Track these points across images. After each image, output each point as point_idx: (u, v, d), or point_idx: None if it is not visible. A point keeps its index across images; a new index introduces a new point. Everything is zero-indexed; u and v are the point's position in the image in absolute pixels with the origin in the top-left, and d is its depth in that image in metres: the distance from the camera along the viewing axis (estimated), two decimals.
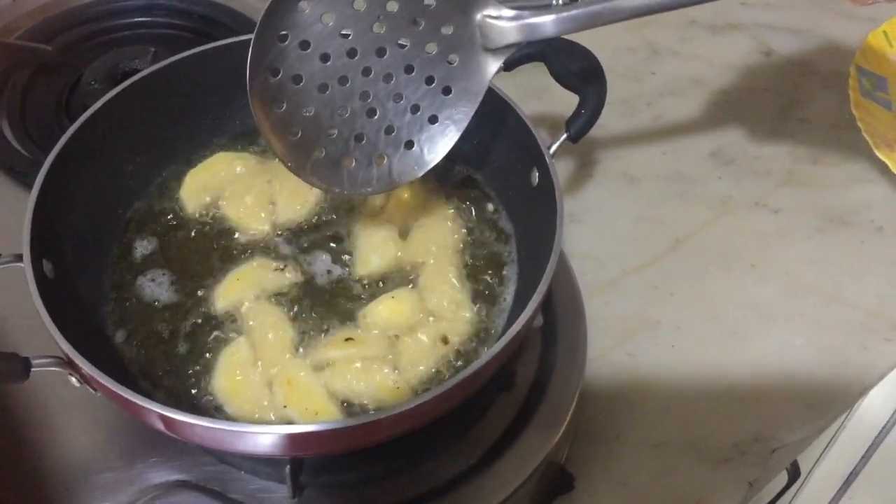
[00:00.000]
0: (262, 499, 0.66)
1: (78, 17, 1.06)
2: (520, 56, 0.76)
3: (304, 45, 0.61)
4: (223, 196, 0.77)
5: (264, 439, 0.57)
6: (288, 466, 0.64)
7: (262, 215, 0.76)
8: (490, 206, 0.78)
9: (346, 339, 0.68)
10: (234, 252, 0.74)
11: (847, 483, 1.18)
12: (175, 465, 0.68)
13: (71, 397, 0.71)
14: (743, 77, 1.10)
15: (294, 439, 0.57)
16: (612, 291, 0.87)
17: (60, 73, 0.99)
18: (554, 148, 0.71)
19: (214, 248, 0.75)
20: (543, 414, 0.71)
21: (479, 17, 0.63)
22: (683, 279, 0.88)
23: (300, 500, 0.65)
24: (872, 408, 1.04)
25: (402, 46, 0.63)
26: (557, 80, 0.74)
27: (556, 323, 0.76)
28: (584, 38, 0.76)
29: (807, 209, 0.95)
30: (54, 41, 1.02)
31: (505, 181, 0.78)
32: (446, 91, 0.65)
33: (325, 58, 0.62)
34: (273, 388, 0.66)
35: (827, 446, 1.11)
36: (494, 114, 0.75)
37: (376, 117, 0.65)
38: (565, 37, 0.75)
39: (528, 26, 0.62)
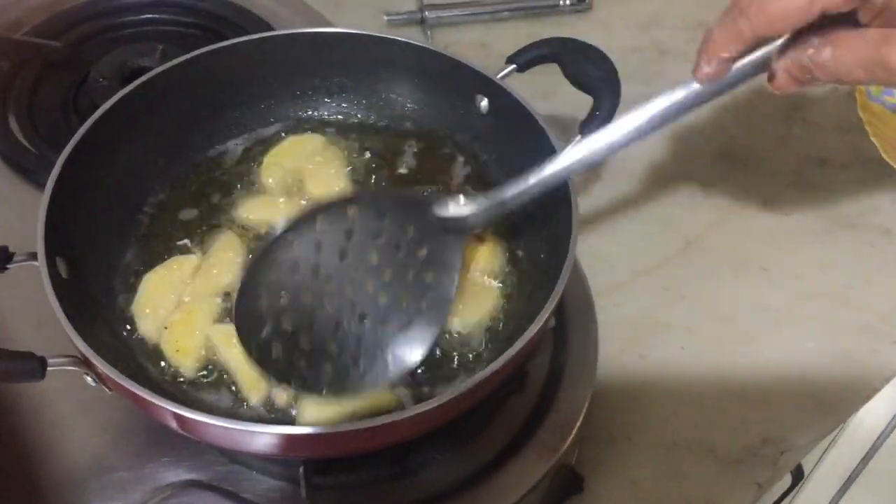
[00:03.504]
0: (275, 499, 0.66)
1: (86, 13, 1.05)
2: (532, 58, 0.77)
3: (281, 292, 0.64)
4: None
5: (279, 440, 0.57)
6: (302, 467, 0.64)
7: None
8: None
9: None
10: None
11: (847, 484, 1.18)
12: (187, 465, 0.68)
13: (83, 397, 0.71)
14: (750, 80, 1.09)
15: (309, 440, 0.57)
16: (621, 293, 0.87)
17: (68, 70, 0.99)
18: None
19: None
20: (555, 416, 0.71)
21: (436, 213, 0.65)
22: (693, 281, 0.89)
23: (313, 501, 0.65)
24: (873, 410, 1.04)
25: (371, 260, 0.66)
26: (571, 81, 0.74)
27: (568, 324, 0.76)
28: (591, 40, 0.76)
29: (815, 212, 0.95)
30: (62, 37, 1.02)
31: None
32: (424, 278, 0.66)
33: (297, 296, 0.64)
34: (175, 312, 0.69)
35: (827, 448, 1.12)
36: (507, 114, 0.76)
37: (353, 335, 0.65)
38: (579, 39, 0.76)
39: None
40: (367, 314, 0.65)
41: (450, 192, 0.68)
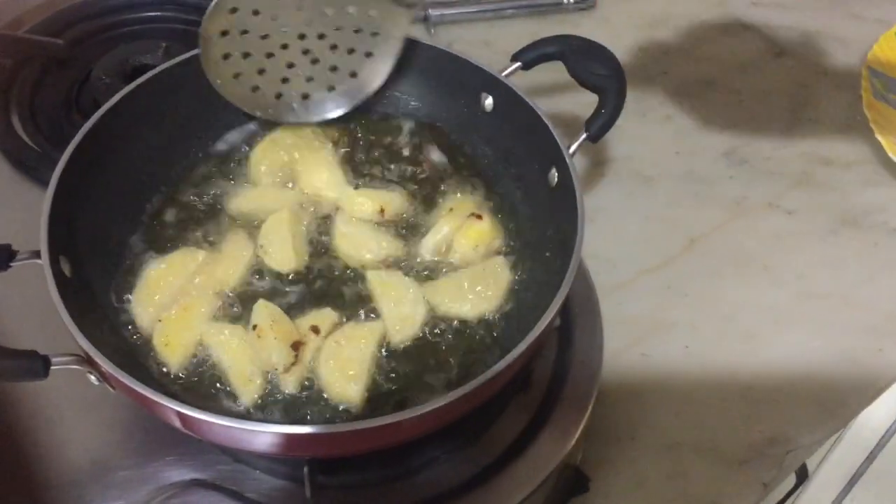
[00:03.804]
0: (279, 498, 0.66)
1: (87, 11, 1.05)
2: (538, 55, 0.76)
3: (245, 32, 0.76)
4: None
5: (283, 439, 0.57)
6: (306, 466, 0.64)
7: None
8: (506, 205, 0.78)
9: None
10: None
11: (850, 484, 1.18)
12: (191, 464, 0.68)
13: (86, 395, 0.71)
14: (754, 77, 1.09)
15: (312, 440, 0.57)
16: (625, 292, 0.87)
17: (70, 68, 0.99)
18: (574, 148, 0.70)
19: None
20: (560, 415, 0.71)
21: None
22: (697, 280, 0.88)
23: (318, 501, 0.64)
24: (877, 409, 1.04)
25: (327, 15, 0.77)
26: (576, 79, 0.74)
27: (572, 323, 0.76)
28: (595, 38, 0.76)
29: (820, 211, 0.95)
30: (64, 35, 1.01)
31: (521, 180, 0.78)
32: (374, 34, 0.78)
33: (265, 37, 0.77)
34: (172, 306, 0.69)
35: (831, 447, 1.11)
36: (512, 112, 0.75)
37: (319, 64, 0.78)
38: (584, 36, 0.76)
39: None
40: (318, 58, 0.78)
41: None
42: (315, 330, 0.67)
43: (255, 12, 0.75)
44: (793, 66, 1.11)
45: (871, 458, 1.11)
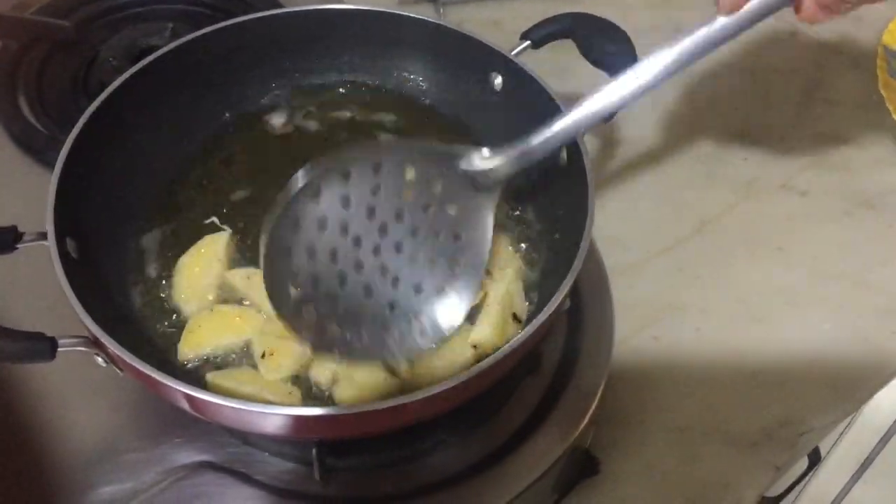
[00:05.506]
0: (288, 481, 0.66)
1: None
2: (547, 33, 0.76)
3: (311, 251, 0.61)
4: None
5: (291, 421, 0.57)
6: (315, 449, 0.63)
7: None
8: (517, 185, 0.77)
9: None
10: None
11: (863, 467, 1.17)
12: (199, 446, 0.67)
13: (94, 377, 0.70)
14: (768, 57, 1.08)
15: (320, 422, 0.57)
16: (636, 274, 0.86)
17: (78, 50, 0.98)
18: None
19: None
20: (570, 398, 0.70)
21: (462, 167, 0.63)
22: (709, 262, 0.87)
23: (327, 483, 0.64)
24: (890, 392, 1.03)
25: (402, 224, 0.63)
26: (587, 57, 0.73)
27: (583, 306, 0.75)
28: (606, 17, 0.75)
29: (834, 192, 0.94)
30: (70, 17, 1.01)
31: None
32: (457, 238, 0.65)
33: (334, 258, 0.62)
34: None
35: (844, 430, 1.11)
36: (522, 92, 0.74)
37: (396, 310, 0.64)
38: (597, 14, 0.75)
39: (515, 159, 0.63)
40: (399, 278, 0.63)
41: (473, 145, 0.64)
42: None
43: (322, 224, 0.60)
44: (807, 45, 1.09)
45: (884, 440, 1.10)
